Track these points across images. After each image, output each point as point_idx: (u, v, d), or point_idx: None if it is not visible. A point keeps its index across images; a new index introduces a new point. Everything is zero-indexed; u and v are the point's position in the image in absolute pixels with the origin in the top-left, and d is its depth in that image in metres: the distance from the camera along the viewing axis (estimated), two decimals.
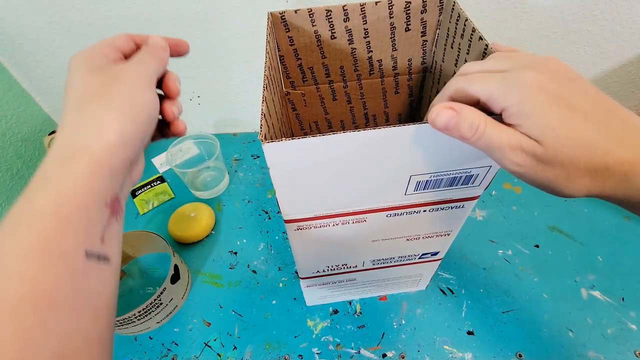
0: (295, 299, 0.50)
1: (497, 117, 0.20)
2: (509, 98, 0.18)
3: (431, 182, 0.27)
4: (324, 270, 0.39)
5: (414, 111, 0.46)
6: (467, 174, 0.27)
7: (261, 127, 0.23)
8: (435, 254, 0.39)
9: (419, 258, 0.39)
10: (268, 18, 0.33)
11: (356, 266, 0.40)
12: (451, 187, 0.28)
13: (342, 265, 0.39)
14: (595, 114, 0.18)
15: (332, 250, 0.35)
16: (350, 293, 0.47)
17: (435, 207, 0.30)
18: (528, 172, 0.18)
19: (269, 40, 0.30)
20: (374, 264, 0.40)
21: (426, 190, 0.28)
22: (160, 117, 0.26)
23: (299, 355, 0.45)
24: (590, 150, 0.17)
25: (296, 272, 0.52)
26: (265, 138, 0.23)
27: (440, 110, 0.19)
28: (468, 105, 0.19)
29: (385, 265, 0.40)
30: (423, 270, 0.43)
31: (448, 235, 0.35)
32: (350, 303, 0.49)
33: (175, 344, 0.47)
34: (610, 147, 0.17)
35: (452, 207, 0.30)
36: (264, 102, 0.24)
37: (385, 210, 0.30)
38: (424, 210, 0.30)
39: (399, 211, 0.30)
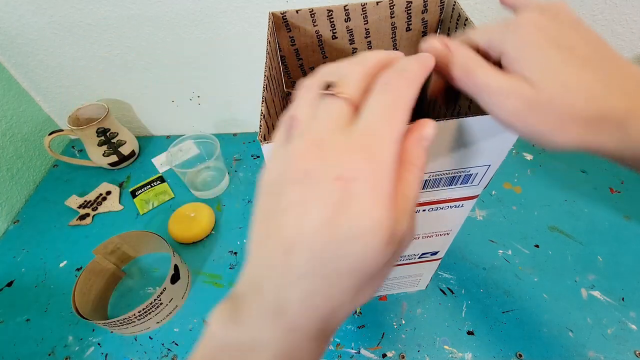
0: None
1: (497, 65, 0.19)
2: (507, 40, 0.18)
3: (430, 181, 0.28)
4: None
5: (416, 111, 0.46)
6: (466, 173, 0.27)
7: (260, 128, 0.23)
8: (435, 253, 0.39)
9: (419, 257, 0.39)
10: (269, 18, 0.33)
11: None
12: (450, 187, 0.28)
13: None
14: (595, 60, 0.17)
15: None
16: None
17: (434, 206, 0.30)
18: (519, 119, 0.17)
19: (269, 40, 0.30)
20: None
21: (425, 190, 0.28)
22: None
23: None
24: (587, 96, 0.16)
25: None
26: (265, 139, 0.22)
27: (432, 41, 0.18)
28: (463, 45, 0.18)
29: None
30: (423, 270, 0.43)
31: (447, 234, 0.35)
32: None
33: (175, 344, 0.47)
34: (607, 94, 0.16)
35: (451, 207, 0.30)
36: (264, 102, 0.24)
37: None
38: (423, 210, 0.30)
39: None
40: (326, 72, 0.17)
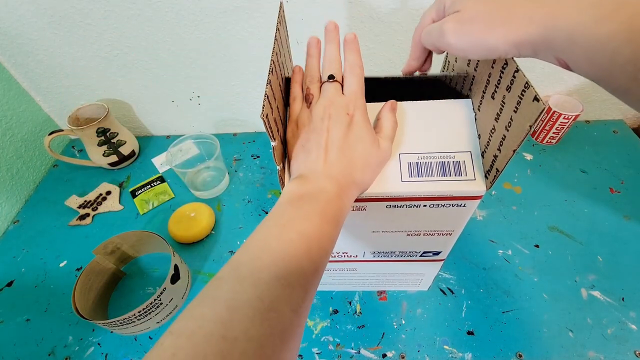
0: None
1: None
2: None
3: (421, 164, 0.29)
4: None
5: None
6: (452, 159, 0.29)
7: (263, 107, 0.23)
8: (437, 253, 0.39)
9: (420, 256, 0.39)
10: (280, 7, 0.33)
11: (356, 256, 0.40)
12: (446, 177, 0.29)
13: (343, 253, 0.39)
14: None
15: None
16: (352, 284, 0.47)
17: (435, 202, 0.30)
18: (460, 32, 0.24)
19: (278, 27, 0.31)
20: (374, 256, 0.40)
21: (421, 178, 0.29)
22: None
23: (299, 355, 0.45)
24: (500, 5, 0.22)
25: None
26: (267, 118, 0.24)
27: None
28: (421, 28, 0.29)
29: (386, 259, 0.40)
30: (425, 270, 0.43)
31: (450, 234, 0.35)
32: (350, 303, 0.49)
33: None
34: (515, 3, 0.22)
35: (453, 205, 0.30)
36: (268, 84, 0.25)
37: (385, 201, 0.30)
38: (424, 205, 0.30)
39: (399, 203, 0.30)
40: (325, 67, 0.30)
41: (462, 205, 0.30)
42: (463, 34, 0.24)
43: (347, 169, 0.27)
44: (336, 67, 0.30)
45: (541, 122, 0.66)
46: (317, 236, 0.24)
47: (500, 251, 0.53)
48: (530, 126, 0.21)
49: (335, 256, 0.40)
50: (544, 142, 0.67)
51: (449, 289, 0.50)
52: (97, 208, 0.63)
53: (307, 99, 0.30)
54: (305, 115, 0.29)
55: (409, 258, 0.40)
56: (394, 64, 0.62)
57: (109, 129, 0.64)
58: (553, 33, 0.20)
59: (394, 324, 0.47)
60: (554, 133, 0.65)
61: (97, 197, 0.64)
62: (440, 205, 0.30)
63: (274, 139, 0.26)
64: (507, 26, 0.22)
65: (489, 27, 0.22)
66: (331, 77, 0.29)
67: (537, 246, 0.53)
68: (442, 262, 0.41)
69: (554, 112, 0.62)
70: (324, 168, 0.27)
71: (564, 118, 0.61)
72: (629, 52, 0.18)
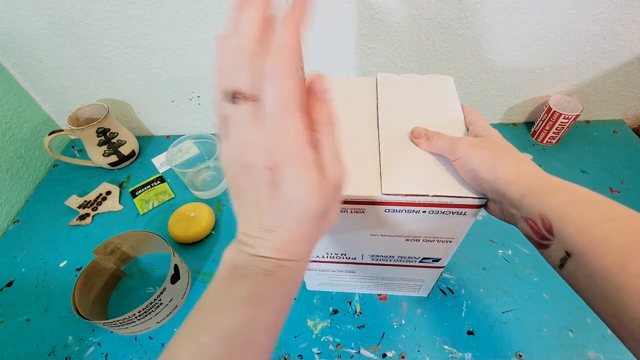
0: (295, 299, 0.50)
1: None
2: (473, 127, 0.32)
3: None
4: (323, 257, 0.40)
5: None
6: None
7: None
8: (437, 260, 0.39)
9: (420, 262, 0.39)
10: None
11: (355, 258, 0.40)
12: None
13: (342, 254, 0.39)
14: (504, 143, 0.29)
15: (330, 237, 0.36)
16: (351, 286, 0.47)
17: (435, 209, 0.30)
18: (471, 151, 0.27)
19: None
20: (373, 259, 0.40)
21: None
22: None
23: (299, 355, 0.45)
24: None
25: None
26: None
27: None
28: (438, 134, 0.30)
29: (385, 262, 0.40)
30: (424, 276, 0.43)
31: (450, 242, 0.35)
32: (350, 303, 0.49)
33: None
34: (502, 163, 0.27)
35: (453, 213, 0.30)
36: None
37: (383, 205, 0.30)
38: (424, 211, 0.30)
39: (397, 207, 0.30)
40: (228, 76, 0.18)
41: (463, 213, 0.30)
42: (477, 150, 0.27)
43: (289, 222, 0.20)
44: (243, 70, 0.17)
45: (541, 122, 0.66)
46: (243, 330, 0.20)
47: (500, 251, 0.53)
48: None
49: (333, 257, 0.40)
50: (544, 142, 0.67)
51: (449, 289, 0.50)
52: (97, 208, 0.63)
53: (226, 124, 0.19)
54: (225, 151, 0.20)
55: (408, 263, 0.40)
56: (394, 64, 0.62)
57: (109, 129, 0.64)
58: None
59: (394, 324, 0.47)
60: (554, 133, 0.65)
61: (97, 197, 0.64)
62: (439, 212, 0.30)
63: None
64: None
65: (499, 155, 0.27)
66: (235, 94, 0.18)
67: None
68: (442, 270, 0.41)
69: (554, 112, 0.62)
70: (258, 230, 0.21)
71: (564, 118, 0.61)
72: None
